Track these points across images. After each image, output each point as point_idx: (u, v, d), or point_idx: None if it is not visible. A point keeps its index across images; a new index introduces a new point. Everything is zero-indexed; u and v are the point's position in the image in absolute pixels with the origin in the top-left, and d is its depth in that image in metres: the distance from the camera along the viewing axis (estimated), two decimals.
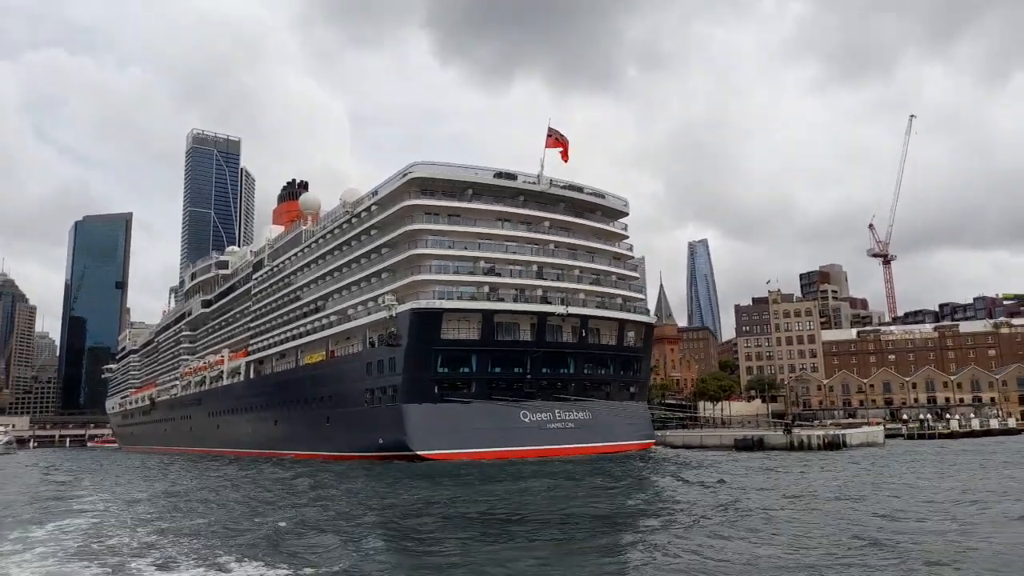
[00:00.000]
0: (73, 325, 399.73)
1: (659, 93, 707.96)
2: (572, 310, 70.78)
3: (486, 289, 69.37)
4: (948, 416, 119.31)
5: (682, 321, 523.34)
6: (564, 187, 76.68)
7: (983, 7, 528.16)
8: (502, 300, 69.54)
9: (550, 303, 70.92)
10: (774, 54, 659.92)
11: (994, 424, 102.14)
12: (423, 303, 66.37)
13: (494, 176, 73.30)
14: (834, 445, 66.32)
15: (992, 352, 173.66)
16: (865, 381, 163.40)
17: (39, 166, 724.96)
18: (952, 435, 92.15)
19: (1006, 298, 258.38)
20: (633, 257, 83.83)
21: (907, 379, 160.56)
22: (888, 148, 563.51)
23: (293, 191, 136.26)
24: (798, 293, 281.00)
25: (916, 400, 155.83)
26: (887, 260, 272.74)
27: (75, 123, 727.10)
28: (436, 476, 48.19)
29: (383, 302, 69.06)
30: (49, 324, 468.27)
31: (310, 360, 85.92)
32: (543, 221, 74.60)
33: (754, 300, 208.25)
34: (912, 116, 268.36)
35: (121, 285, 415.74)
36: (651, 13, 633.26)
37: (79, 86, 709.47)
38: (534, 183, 74.17)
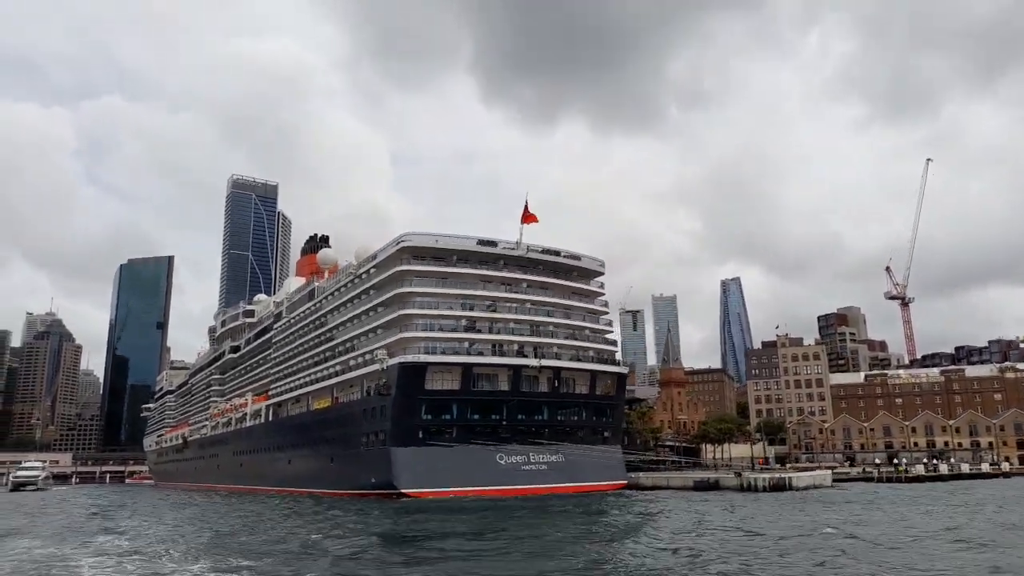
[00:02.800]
0: (116, 363, 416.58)
1: (700, 131, 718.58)
2: (545, 362, 79.20)
3: (466, 344, 78.12)
4: (939, 461, 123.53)
5: (715, 360, 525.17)
6: (541, 251, 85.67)
7: None
8: (481, 354, 78.26)
9: (525, 356, 79.40)
10: (817, 92, 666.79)
11: (964, 468, 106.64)
12: (410, 358, 75.44)
13: (477, 243, 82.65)
14: (779, 487, 72.94)
15: (998, 396, 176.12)
16: (866, 425, 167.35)
17: (92, 207, 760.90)
18: (918, 479, 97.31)
19: None
20: (607, 312, 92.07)
21: (907, 423, 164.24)
22: (933, 185, 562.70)
23: (315, 245, 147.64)
24: (817, 335, 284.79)
25: (915, 444, 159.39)
26: (905, 303, 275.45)
27: (126, 166, 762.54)
28: (410, 511, 56.37)
29: (376, 356, 78.30)
30: (94, 361, 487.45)
31: (318, 405, 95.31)
32: (521, 282, 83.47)
33: (764, 344, 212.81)
34: (929, 159, 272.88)
35: (162, 325, 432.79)
36: (693, 52, 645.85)
37: (130, 130, 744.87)
38: (513, 248, 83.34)
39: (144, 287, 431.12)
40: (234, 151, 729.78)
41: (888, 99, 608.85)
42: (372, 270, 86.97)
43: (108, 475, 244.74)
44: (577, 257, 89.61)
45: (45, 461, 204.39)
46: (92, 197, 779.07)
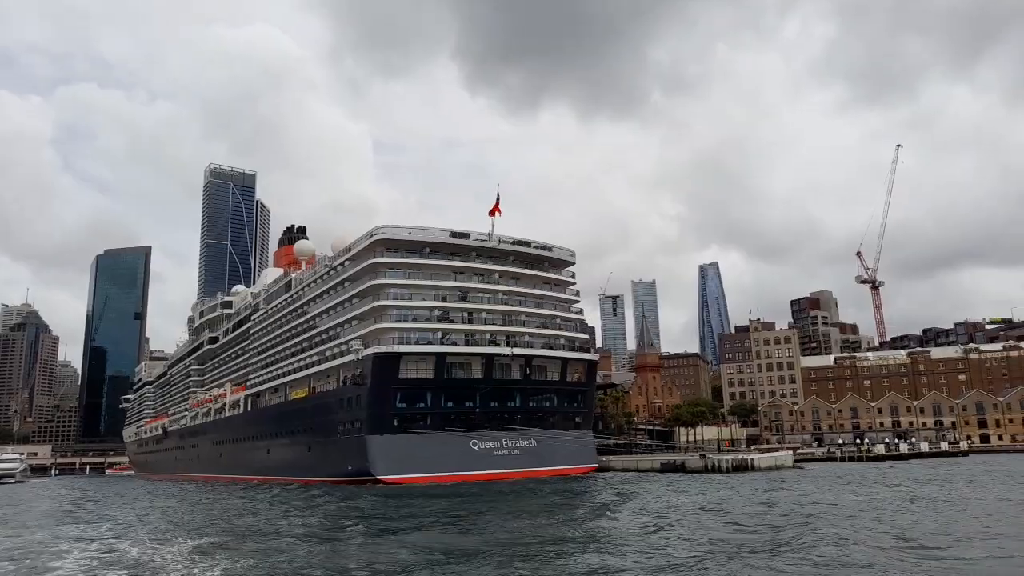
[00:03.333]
0: (94, 355, 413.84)
1: (683, 116, 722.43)
2: (516, 351, 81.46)
3: (439, 335, 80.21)
4: (901, 441, 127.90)
5: (693, 345, 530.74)
6: (512, 242, 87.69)
7: (1007, 25, 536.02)
8: (454, 344, 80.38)
9: (497, 345, 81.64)
10: (798, 76, 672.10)
11: (924, 447, 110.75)
12: (383, 348, 77.39)
13: (449, 235, 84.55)
14: (742, 468, 76.06)
15: (962, 377, 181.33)
16: (834, 406, 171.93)
17: (69, 197, 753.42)
18: (879, 458, 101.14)
19: (992, 322, 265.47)
20: (579, 301, 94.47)
21: (873, 404, 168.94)
22: (914, 167, 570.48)
23: (292, 236, 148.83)
24: (790, 319, 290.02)
25: (881, 424, 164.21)
26: (875, 286, 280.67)
27: (105, 156, 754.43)
28: (383, 496, 58.56)
29: (352, 346, 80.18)
30: (72, 352, 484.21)
31: (296, 395, 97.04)
32: (493, 273, 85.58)
33: (736, 328, 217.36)
34: (899, 146, 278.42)
35: (140, 316, 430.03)
36: (675, 38, 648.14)
37: (109, 119, 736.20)
38: (485, 240, 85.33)
39: (121, 278, 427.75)
40: (215, 140, 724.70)
41: (868, 82, 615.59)
42: (347, 262, 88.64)
43: (88, 466, 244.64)
44: (548, 248, 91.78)
45: (23, 453, 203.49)
46: (70, 187, 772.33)
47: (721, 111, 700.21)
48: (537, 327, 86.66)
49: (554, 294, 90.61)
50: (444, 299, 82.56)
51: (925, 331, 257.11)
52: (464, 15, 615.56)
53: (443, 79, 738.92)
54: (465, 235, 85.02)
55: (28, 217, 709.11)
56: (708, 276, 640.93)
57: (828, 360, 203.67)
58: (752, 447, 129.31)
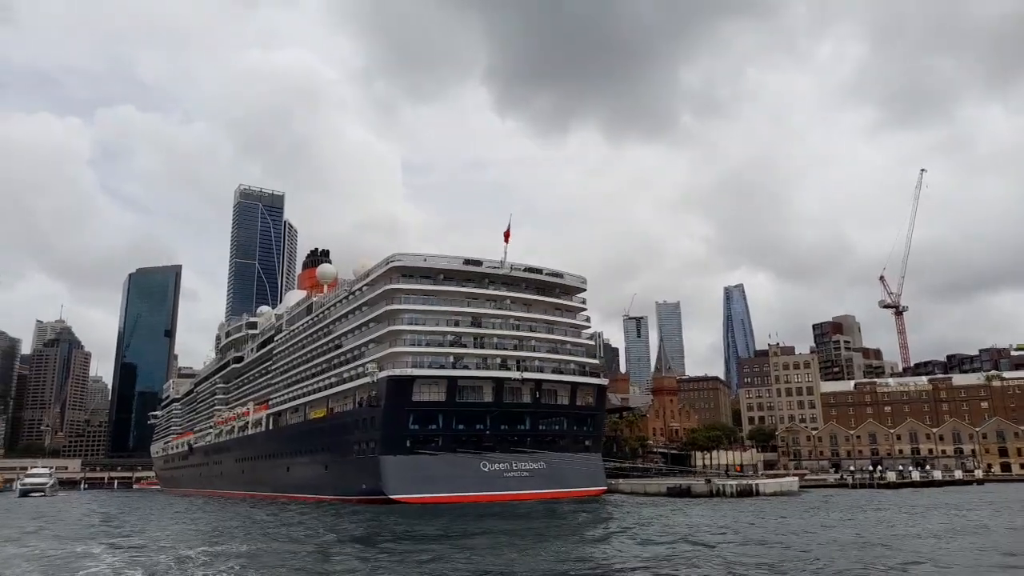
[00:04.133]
0: (125, 371, 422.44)
1: (713, 138, 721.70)
2: (526, 375, 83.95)
3: (451, 359, 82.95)
4: (914, 469, 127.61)
5: (719, 366, 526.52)
6: (524, 269, 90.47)
7: None
8: (466, 367, 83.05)
9: (508, 369, 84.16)
10: (830, 98, 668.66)
11: (938, 475, 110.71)
12: (398, 371, 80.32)
13: (463, 262, 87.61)
14: (746, 493, 77.45)
15: (984, 405, 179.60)
16: (852, 432, 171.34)
17: (106, 216, 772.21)
18: (889, 485, 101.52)
19: (1020, 348, 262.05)
20: (589, 327, 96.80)
21: (892, 431, 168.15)
22: (946, 188, 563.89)
23: (316, 259, 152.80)
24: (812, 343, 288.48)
25: (900, 451, 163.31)
26: (899, 311, 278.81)
27: (141, 175, 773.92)
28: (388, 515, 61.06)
29: (367, 369, 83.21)
30: (103, 368, 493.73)
31: (315, 415, 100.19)
32: (505, 299, 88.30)
33: (756, 353, 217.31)
34: (923, 170, 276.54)
35: (170, 333, 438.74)
36: (706, 60, 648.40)
37: (146, 140, 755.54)
38: (497, 267, 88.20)
39: (152, 296, 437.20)
40: (248, 161, 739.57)
41: (901, 103, 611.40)
42: (365, 287, 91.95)
43: (116, 481, 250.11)
44: (559, 274, 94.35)
45: (52, 467, 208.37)
46: (107, 206, 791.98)
47: (751, 133, 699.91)
48: (547, 352, 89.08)
49: (564, 320, 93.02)
50: (457, 324, 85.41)
51: (949, 357, 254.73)
52: (494, 38, 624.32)
53: (472, 101, 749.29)
54: (478, 262, 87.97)
55: (66, 235, 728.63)
56: (733, 298, 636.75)
57: (848, 386, 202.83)
58: (760, 472, 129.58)
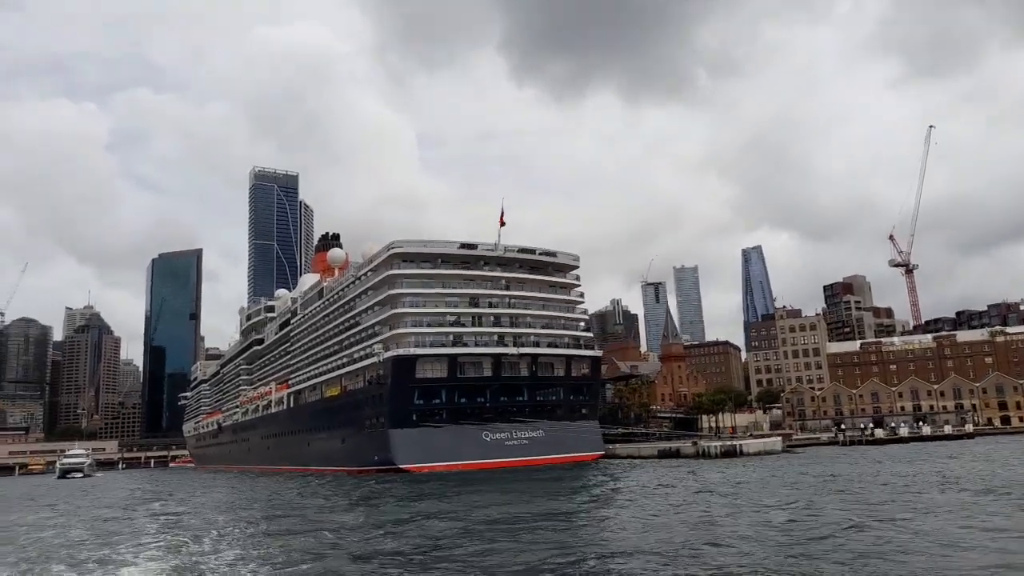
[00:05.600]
0: (154, 354, 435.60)
1: (731, 98, 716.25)
2: (522, 350, 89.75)
3: (451, 337, 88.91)
4: (917, 424, 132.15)
5: (739, 331, 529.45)
6: (518, 251, 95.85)
7: None
8: (465, 345, 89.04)
9: (505, 345, 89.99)
10: (852, 53, 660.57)
11: (927, 431, 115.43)
12: (401, 351, 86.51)
13: (459, 246, 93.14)
14: (730, 453, 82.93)
15: (988, 360, 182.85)
16: (855, 391, 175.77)
17: (127, 200, 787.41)
18: (877, 442, 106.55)
19: None
20: (583, 302, 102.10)
21: (893, 389, 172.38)
22: (972, 141, 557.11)
23: (327, 243, 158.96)
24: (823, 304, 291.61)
25: (903, 408, 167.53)
26: (909, 270, 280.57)
27: (160, 159, 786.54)
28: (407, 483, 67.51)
29: (374, 350, 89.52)
30: (133, 351, 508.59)
31: (330, 393, 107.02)
32: (500, 279, 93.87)
33: (762, 317, 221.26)
34: (931, 127, 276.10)
35: (195, 316, 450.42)
36: (722, 18, 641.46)
37: (163, 123, 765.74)
38: (492, 249, 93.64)
39: (176, 280, 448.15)
40: (263, 139, 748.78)
41: (924, 55, 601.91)
42: (369, 272, 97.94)
43: (152, 460, 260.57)
44: (552, 253, 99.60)
45: (89, 448, 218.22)
46: (128, 190, 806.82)
47: (771, 91, 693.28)
48: (542, 327, 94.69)
49: (558, 296, 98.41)
50: (456, 305, 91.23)
51: (959, 313, 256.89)
52: (508, 4, 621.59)
53: (487, 70, 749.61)
54: (473, 246, 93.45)
55: (91, 221, 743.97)
56: (751, 260, 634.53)
57: (854, 346, 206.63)
58: (748, 432, 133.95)
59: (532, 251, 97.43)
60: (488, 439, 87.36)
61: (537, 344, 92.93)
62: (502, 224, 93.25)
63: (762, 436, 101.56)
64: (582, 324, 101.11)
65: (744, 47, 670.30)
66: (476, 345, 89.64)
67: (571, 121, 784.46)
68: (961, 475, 48.24)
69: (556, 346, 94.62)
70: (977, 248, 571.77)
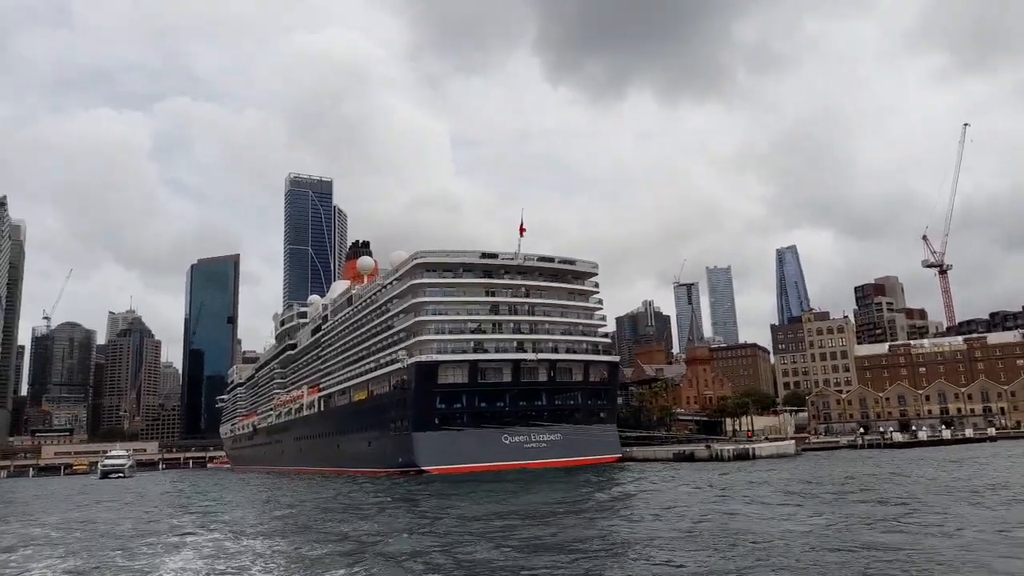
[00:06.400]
0: (193, 357, 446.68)
1: (770, 94, 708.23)
2: (541, 356, 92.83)
3: (472, 344, 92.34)
4: (937, 428, 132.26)
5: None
6: (537, 259, 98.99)
7: None
8: (486, 351, 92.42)
9: (524, 351, 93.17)
10: (895, 47, 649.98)
11: (947, 434, 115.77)
12: (424, 357, 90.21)
13: (480, 256, 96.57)
14: (743, 457, 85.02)
15: (1020, 363, 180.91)
16: (881, 394, 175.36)
17: (170, 207, 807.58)
18: (895, 445, 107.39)
19: None
20: (601, 308, 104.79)
21: (920, 392, 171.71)
22: (1020, 134, 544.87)
23: (357, 251, 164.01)
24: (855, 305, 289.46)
25: (929, 412, 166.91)
26: (943, 270, 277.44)
27: (201, 166, 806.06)
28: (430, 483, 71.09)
29: (398, 356, 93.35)
30: (173, 354, 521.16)
31: (358, 398, 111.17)
32: (520, 287, 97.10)
33: (790, 319, 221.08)
34: (966, 124, 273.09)
35: (232, 320, 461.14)
36: (763, 11, 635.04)
37: (204, 131, 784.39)
38: (511, 258, 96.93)
39: (214, 284, 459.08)
40: (300, 145, 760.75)
41: (971, 46, 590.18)
42: (394, 281, 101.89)
43: (191, 461, 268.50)
44: (571, 261, 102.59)
45: (129, 450, 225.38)
46: (170, 197, 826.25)
47: (811, 86, 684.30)
48: (561, 334, 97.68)
49: (577, 303, 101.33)
50: (477, 312, 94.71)
51: (992, 315, 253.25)
52: (543, 4, 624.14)
53: (523, 71, 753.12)
54: (494, 255, 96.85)
55: (135, 227, 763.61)
56: (786, 260, 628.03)
57: (883, 348, 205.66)
58: (763, 436, 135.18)
59: (551, 259, 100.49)
60: (508, 442, 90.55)
61: (555, 350, 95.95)
62: (522, 234, 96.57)
63: (777, 439, 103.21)
64: (600, 330, 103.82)
65: (784, 41, 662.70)
66: (496, 351, 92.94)
67: (607, 121, 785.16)
68: (943, 480, 50.10)
69: (574, 352, 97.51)
70: (1022, 245, 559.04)
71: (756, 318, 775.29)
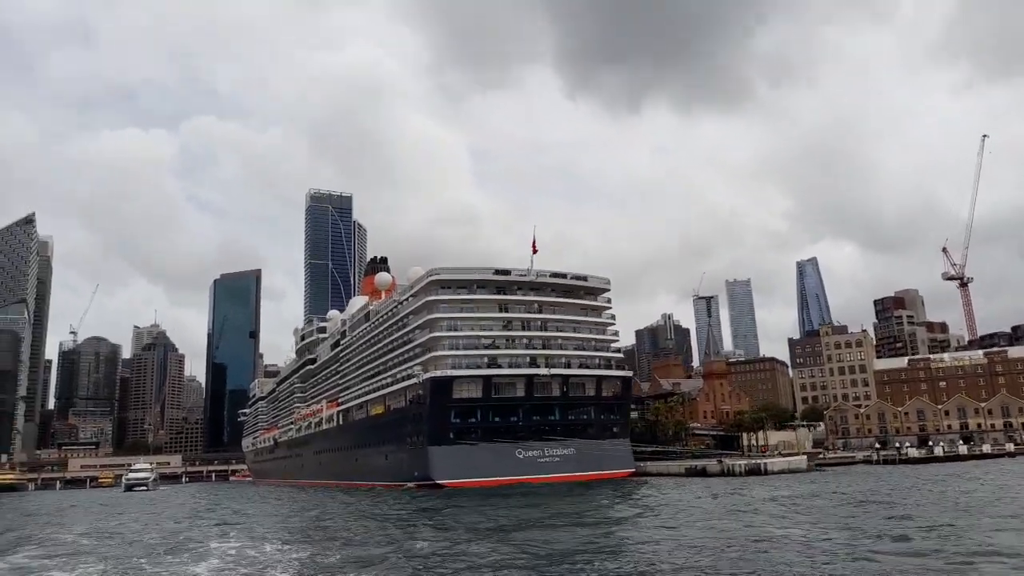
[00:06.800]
0: (216, 371, 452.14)
1: (790, 106, 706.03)
2: (553, 371, 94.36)
3: (486, 360, 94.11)
4: (937, 443, 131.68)
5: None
6: (550, 276, 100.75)
7: None
8: (499, 367, 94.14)
9: (537, 367, 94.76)
10: (916, 57, 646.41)
11: (963, 450, 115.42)
12: (439, 373, 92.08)
13: (494, 272, 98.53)
14: (755, 472, 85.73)
15: None
16: (900, 409, 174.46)
17: (194, 222, 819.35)
18: (909, 461, 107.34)
19: None
20: (613, 324, 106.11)
21: (939, 407, 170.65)
22: None
23: (375, 267, 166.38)
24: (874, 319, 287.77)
25: (949, 427, 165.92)
26: (964, 283, 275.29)
27: (225, 182, 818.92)
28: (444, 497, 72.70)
29: (414, 371, 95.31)
30: (196, 368, 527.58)
31: (375, 412, 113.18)
32: (533, 303, 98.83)
33: (807, 333, 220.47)
34: (984, 136, 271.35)
35: (254, 334, 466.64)
36: (781, 25, 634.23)
37: (227, 148, 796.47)
38: (524, 275, 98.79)
39: (237, 299, 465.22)
40: (321, 161, 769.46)
41: (994, 56, 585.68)
42: (410, 298, 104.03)
43: (214, 474, 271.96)
44: (583, 278, 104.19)
45: (153, 463, 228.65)
46: (194, 213, 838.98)
47: (831, 98, 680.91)
48: (574, 349, 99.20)
49: (589, 319, 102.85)
50: (490, 328, 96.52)
51: (1014, 328, 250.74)
52: (561, 19, 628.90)
53: (541, 85, 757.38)
54: (507, 272, 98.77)
55: (160, 242, 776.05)
56: (806, 273, 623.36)
57: (902, 362, 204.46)
58: (776, 451, 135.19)
59: (563, 275, 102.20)
60: (521, 456, 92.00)
61: (568, 365, 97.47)
62: (535, 251, 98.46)
63: (790, 455, 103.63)
64: (613, 345, 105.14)
65: (803, 52, 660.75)
66: (510, 366, 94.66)
67: (626, 134, 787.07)
68: (940, 498, 50.88)
69: (587, 367, 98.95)
70: None
71: (778, 332, 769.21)
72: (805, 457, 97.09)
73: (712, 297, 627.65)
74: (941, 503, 45.41)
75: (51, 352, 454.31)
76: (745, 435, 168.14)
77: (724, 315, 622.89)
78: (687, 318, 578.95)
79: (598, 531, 37.31)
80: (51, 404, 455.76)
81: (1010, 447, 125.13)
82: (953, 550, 26.54)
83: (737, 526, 36.01)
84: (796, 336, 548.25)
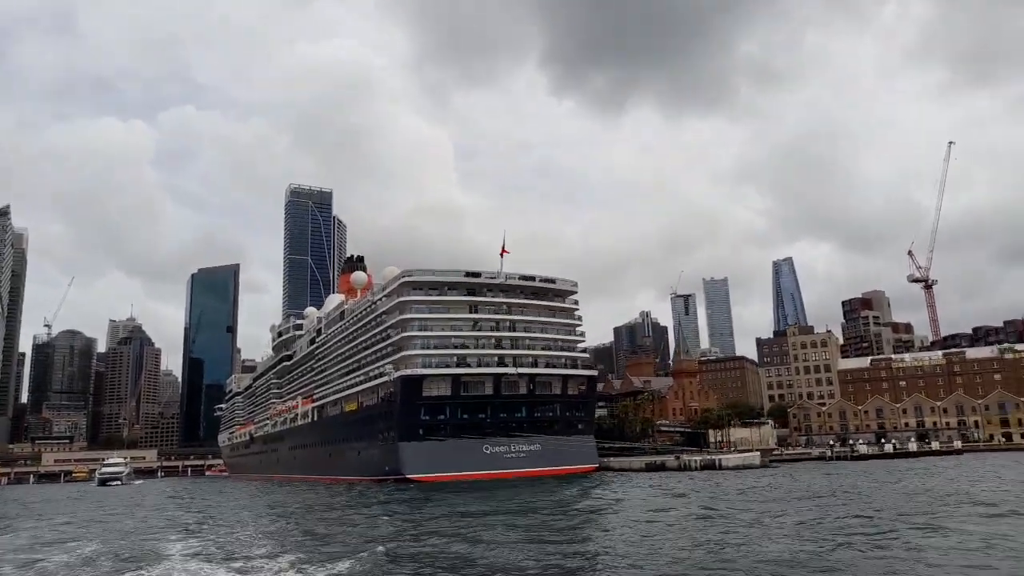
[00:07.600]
0: (192, 365, 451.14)
1: (772, 108, 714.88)
2: (520, 370, 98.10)
3: (455, 359, 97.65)
4: (890, 441, 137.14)
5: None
6: (519, 278, 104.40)
7: None
8: (468, 366, 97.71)
9: (505, 366, 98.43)
10: (896, 61, 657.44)
11: (913, 447, 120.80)
12: (410, 371, 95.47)
13: (464, 275, 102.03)
14: (709, 467, 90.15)
15: (997, 377, 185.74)
16: (860, 408, 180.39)
17: (173, 215, 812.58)
18: (860, 457, 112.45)
19: None
20: (580, 324, 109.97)
21: (897, 405, 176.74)
22: (1020, 148, 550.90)
23: (352, 265, 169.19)
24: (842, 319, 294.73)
25: (907, 425, 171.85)
26: (928, 285, 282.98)
27: (204, 174, 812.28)
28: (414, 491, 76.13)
29: (385, 370, 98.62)
30: (173, 362, 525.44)
31: (348, 408, 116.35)
32: (502, 305, 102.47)
33: (775, 333, 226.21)
34: (951, 143, 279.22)
35: (231, 329, 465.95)
36: (764, 27, 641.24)
37: (207, 140, 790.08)
38: (494, 277, 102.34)
39: (215, 293, 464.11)
40: (302, 155, 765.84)
41: (972, 61, 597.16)
42: (383, 298, 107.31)
43: (189, 469, 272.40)
44: (552, 280, 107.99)
45: (127, 458, 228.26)
46: (173, 205, 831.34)
47: (813, 100, 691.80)
48: (541, 349, 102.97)
49: (556, 320, 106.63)
50: (460, 328, 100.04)
51: (975, 329, 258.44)
52: (548, 19, 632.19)
53: (526, 84, 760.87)
54: (477, 274, 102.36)
55: (137, 235, 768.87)
56: (782, 272, 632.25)
57: (865, 362, 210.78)
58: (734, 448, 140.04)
59: (532, 278, 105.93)
60: (488, 452, 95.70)
61: (535, 364, 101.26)
62: (503, 254, 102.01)
63: (744, 451, 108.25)
64: (579, 346, 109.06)
65: (786, 55, 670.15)
66: (479, 365, 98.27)
67: (610, 133, 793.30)
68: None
69: (553, 366, 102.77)
70: (1019, 259, 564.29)
71: (755, 330, 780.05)
72: (759, 453, 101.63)
73: (690, 295, 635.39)
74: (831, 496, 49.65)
75: (25, 345, 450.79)
76: (712, 432, 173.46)
77: (701, 313, 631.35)
78: (665, 316, 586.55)
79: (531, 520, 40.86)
80: (24, 398, 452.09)
81: (958, 444, 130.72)
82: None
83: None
84: (771, 334, 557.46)
